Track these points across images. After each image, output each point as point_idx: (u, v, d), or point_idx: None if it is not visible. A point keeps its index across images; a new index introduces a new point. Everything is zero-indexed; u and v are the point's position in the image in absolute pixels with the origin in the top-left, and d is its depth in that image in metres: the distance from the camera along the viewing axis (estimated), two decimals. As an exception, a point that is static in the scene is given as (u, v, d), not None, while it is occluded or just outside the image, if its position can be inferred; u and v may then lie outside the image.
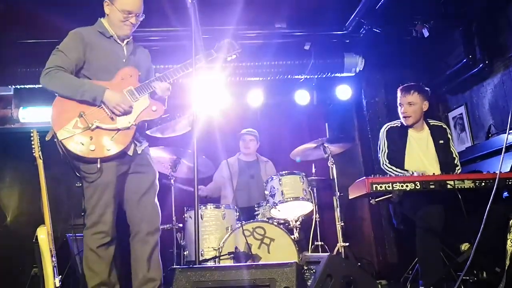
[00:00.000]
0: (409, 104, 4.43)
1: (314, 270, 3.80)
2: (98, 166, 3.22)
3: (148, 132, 3.86)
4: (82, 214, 3.36)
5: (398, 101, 4.54)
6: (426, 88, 4.56)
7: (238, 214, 4.85)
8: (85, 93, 3.23)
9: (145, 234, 3.39)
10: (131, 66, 3.48)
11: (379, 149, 4.52)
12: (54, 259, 3.32)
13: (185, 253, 4.83)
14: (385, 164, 4.38)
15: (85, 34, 3.40)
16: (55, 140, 3.21)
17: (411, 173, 4.08)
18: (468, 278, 3.75)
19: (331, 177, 5.29)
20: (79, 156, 3.20)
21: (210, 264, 4.39)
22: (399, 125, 4.55)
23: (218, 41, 3.72)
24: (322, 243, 5.33)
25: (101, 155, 3.22)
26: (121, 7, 3.39)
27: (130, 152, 3.38)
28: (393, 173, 4.26)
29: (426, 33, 5.52)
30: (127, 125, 3.32)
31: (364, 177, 3.75)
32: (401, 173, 4.20)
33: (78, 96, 3.22)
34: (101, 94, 3.25)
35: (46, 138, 3.27)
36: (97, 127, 3.23)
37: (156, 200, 3.51)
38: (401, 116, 4.52)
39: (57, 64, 3.27)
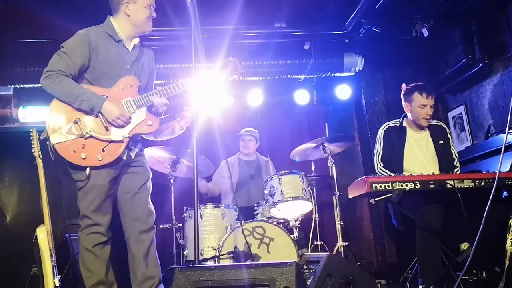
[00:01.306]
0: (431, 107, 4.41)
1: (313, 270, 3.81)
2: (87, 173, 3.22)
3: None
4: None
5: (421, 102, 4.40)
6: None
7: (237, 213, 4.85)
8: (83, 103, 3.21)
9: (139, 232, 3.39)
10: (132, 75, 3.45)
11: (375, 150, 4.51)
12: (53, 259, 3.31)
13: (184, 252, 4.83)
14: (379, 168, 4.37)
15: (93, 38, 3.34)
16: (47, 142, 3.22)
17: None
18: (467, 277, 3.76)
19: (330, 177, 5.30)
20: (69, 163, 3.22)
21: (209, 263, 4.40)
22: (398, 125, 4.53)
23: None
24: (322, 242, 5.34)
25: (91, 163, 3.23)
26: (147, 2, 3.40)
27: (124, 157, 3.38)
28: None
29: (425, 33, 5.52)
30: (120, 138, 3.31)
31: (364, 177, 3.75)
32: None
33: (76, 104, 3.21)
34: (100, 105, 3.23)
35: (41, 137, 3.28)
36: (91, 136, 3.23)
37: (149, 199, 3.50)
38: (420, 117, 4.41)
39: (60, 69, 3.23)
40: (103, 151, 3.24)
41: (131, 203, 3.42)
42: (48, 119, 3.23)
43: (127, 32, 3.47)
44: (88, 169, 3.21)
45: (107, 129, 3.28)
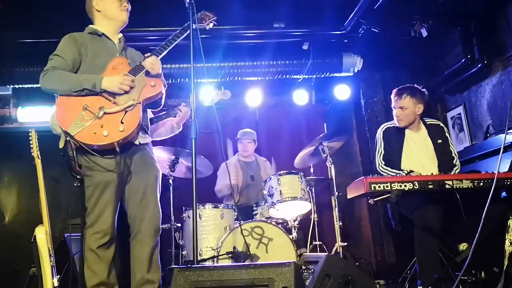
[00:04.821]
0: (401, 108, 4.43)
1: (312, 270, 3.80)
2: (117, 149, 3.21)
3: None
4: (81, 213, 3.35)
5: (392, 104, 4.54)
6: (423, 90, 4.51)
7: (236, 213, 4.85)
8: (83, 82, 3.22)
9: (145, 234, 3.37)
10: (121, 56, 3.49)
11: (376, 150, 4.52)
12: (52, 259, 3.31)
13: (183, 252, 4.84)
14: (381, 166, 4.38)
15: (78, 36, 3.43)
16: (68, 139, 3.17)
17: (406, 172, 4.09)
18: (466, 278, 3.75)
19: (329, 177, 5.30)
20: (97, 145, 3.18)
21: (208, 263, 4.40)
22: (396, 125, 4.54)
23: (194, 15, 3.62)
24: (321, 242, 5.34)
25: (116, 138, 3.19)
26: None
27: (137, 142, 3.38)
28: (389, 174, 4.25)
29: (424, 33, 5.53)
30: (132, 103, 3.28)
31: (363, 177, 3.75)
32: (397, 173, 4.20)
33: (78, 87, 3.21)
34: (100, 80, 3.25)
35: (60, 146, 3.24)
36: (104, 113, 3.21)
37: (157, 200, 3.49)
38: (394, 118, 4.52)
39: (53, 65, 3.29)
40: (122, 122, 3.23)
41: (140, 204, 3.40)
42: (58, 119, 3.20)
43: (106, 29, 3.52)
44: (116, 145, 3.19)
45: (116, 103, 3.27)
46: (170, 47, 3.56)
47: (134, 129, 3.26)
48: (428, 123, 4.55)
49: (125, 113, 3.27)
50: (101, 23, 3.52)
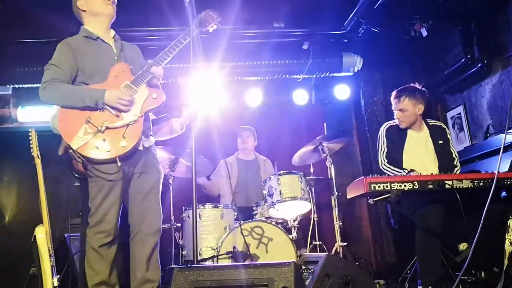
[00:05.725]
0: (401, 110, 4.43)
1: (312, 270, 3.80)
2: (119, 164, 3.21)
3: None
4: (80, 213, 3.35)
5: (392, 106, 4.54)
6: (422, 89, 4.52)
7: (236, 213, 4.85)
8: (86, 99, 3.21)
9: (145, 234, 3.37)
10: (121, 62, 3.46)
11: (379, 148, 4.51)
12: (52, 259, 3.31)
13: (183, 252, 4.83)
14: (384, 164, 4.38)
15: (72, 42, 3.40)
16: (70, 151, 3.18)
17: (407, 171, 4.09)
18: (466, 277, 3.76)
19: (329, 177, 5.30)
20: (98, 160, 3.20)
21: (208, 263, 4.39)
22: (398, 124, 4.54)
23: (197, 15, 3.64)
24: (320, 242, 5.34)
25: (118, 153, 3.20)
26: None
27: (140, 147, 3.38)
28: (392, 172, 4.26)
29: (424, 33, 5.53)
30: (134, 118, 3.29)
31: (363, 177, 3.75)
32: (399, 172, 4.20)
33: (80, 103, 3.21)
34: (102, 96, 3.23)
35: (59, 153, 3.27)
36: (107, 127, 3.22)
37: (159, 201, 3.50)
38: (396, 119, 4.52)
39: (52, 77, 3.27)
40: (123, 137, 3.24)
41: (141, 204, 3.40)
42: (61, 130, 3.20)
43: (97, 27, 3.49)
44: (118, 160, 3.20)
45: (118, 116, 3.27)
46: (173, 55, 3.53)
47: (136, 144, 3.28)
48: (430, 123, 4.56)
49: (126, 127, 3.28)
50: (89, 22, 3.49)
